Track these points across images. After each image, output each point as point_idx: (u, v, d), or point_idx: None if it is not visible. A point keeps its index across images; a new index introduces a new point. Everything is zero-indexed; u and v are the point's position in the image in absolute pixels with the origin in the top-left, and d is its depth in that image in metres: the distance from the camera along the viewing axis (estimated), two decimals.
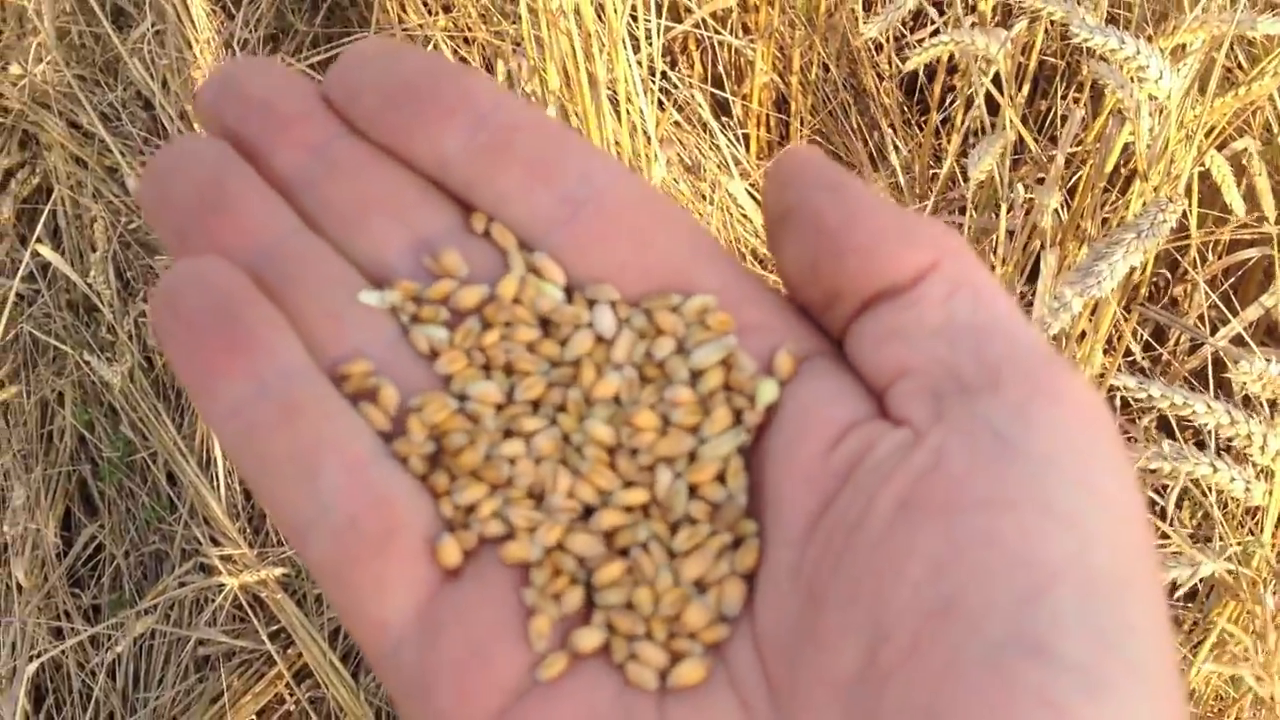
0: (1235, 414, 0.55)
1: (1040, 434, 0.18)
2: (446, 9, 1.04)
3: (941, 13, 1.05)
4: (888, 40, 1.06)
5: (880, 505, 0.18)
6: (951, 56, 1.00)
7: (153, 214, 0.22)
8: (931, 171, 1.02)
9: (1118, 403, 0.92)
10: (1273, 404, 0.57)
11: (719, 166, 0.97)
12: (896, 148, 1.03)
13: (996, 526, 0.17)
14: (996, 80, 0.88)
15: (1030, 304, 0.85)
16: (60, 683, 0.97)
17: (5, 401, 1.06)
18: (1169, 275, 0.97)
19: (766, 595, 0.19)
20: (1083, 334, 0.83)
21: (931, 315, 0.19)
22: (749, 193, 0.97)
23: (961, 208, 0.98)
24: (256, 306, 0.20)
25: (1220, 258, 0.92)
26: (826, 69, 1.06)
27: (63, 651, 0.96)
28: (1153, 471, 0.58)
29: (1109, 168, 0.80)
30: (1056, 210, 0.84)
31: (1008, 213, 0.83)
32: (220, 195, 0.21)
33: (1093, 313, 0.81)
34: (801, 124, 1.07)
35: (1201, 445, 0.59)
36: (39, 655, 0.94)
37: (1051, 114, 1.01)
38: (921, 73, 1.10)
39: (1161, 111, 0.70)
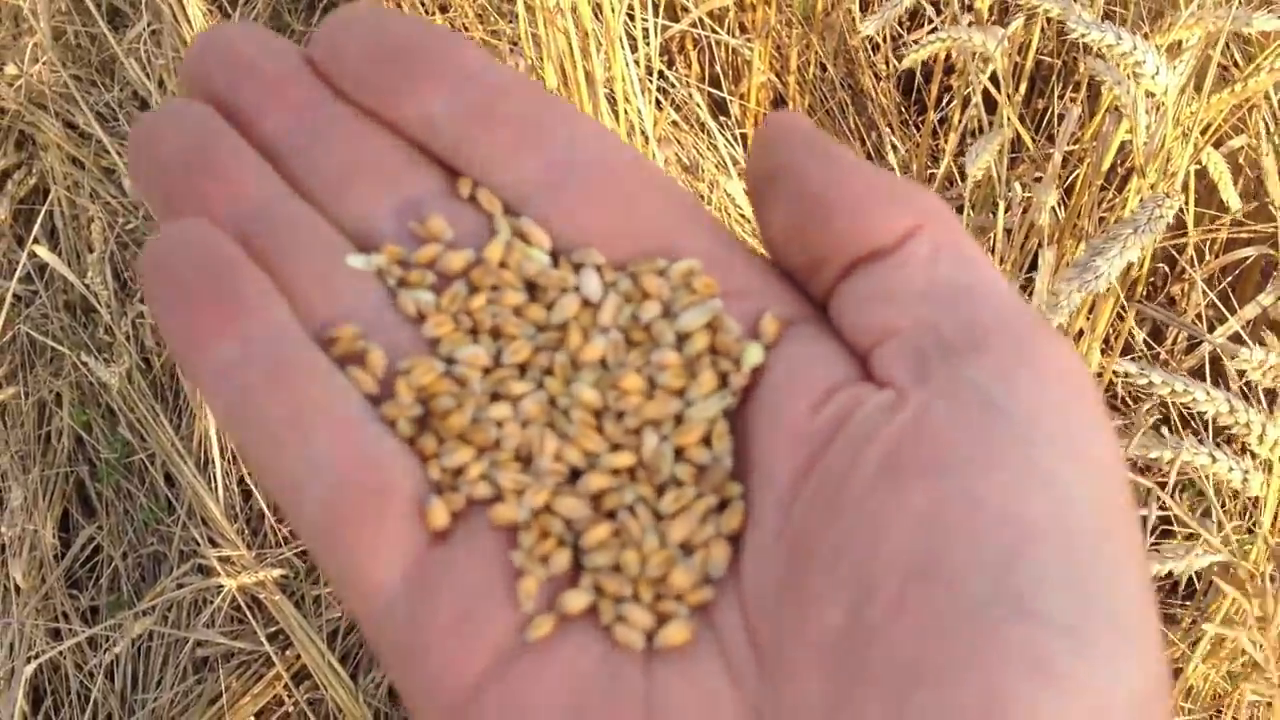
0: (1235, 402, 0.55)
1: (1022, 395, 0.18)
2: (443, 8, 1.04)
3: (939, 12, 1.05)
4: (885, 40, 1.07)
5: (864, 466, 0.18)
6: (948, 56, 1.01)
7: (139, 178, 0.22)
8: (929, 171, 1.02)
9: (1118, 397, 0.92)
10: (1271, 396, 0.57)
11: (717, 166, 0.97)
12: (894, 147, 1.03)
13: (979, 486, 0.17)
14: (994, 79, 0.88)
15: (1029, 301, 0.84)
16: (58, 684, 0.97)
17: (3, 402, 1.06)
18: (1168, 271, 0.98)
19: (752, 556, 0.19)
20: (1080, 332, 0.83)
21: (915, 278, 0.19)
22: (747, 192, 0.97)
23: (959, 206, 0.98)
24: (244, 269, 0.20)
25: (1218, 256, 0.92)
26: (824, 68, 1.06)
27: (61, 653, 0.96)
28: (1153, 461, 0.58)
29: (1106, 165, 0.81)
30: (1054, 208, 0.84)
31: (1005, 211, 0.83)
32: (206, 159, 0.21)
33: (1090, 310, 0.81)
34: None
35: (1200, 440, 0.59)
36: (37, 656, 0.94)
37: (1049, 113, 1.01)
38: (919, 73, 1.10)
39: (1158, 108, 0.70)
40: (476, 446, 0.20)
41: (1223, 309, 0.87)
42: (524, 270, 0.21)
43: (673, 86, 1.01)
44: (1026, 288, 0.92)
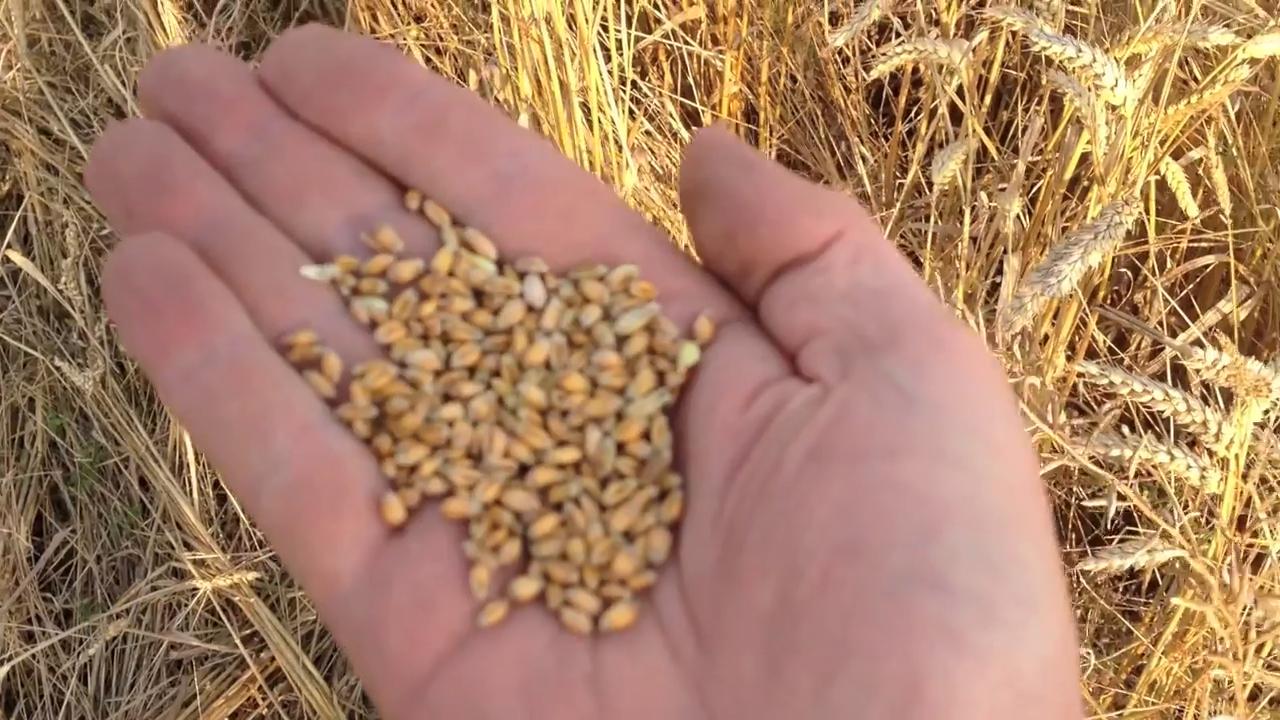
0: (1192, 402, 0.57)
1: (935, 385, 0.19)
2: (419, 19, 1.05)
3: (907, 25, 1.07)
4: (854, 53, 1.08)
5: (792, 455, 0.19)
6: (916, 70, 1.02)
7: (101, 194, 0.23)
8: (897, 180, 1.04)
9: (1082, 399, 0.93)
10: (1227, 397, 0.58)
11: None
12: (864, 157, 1.04)
13: (896, 471, 0.19)
14: (960, 92, 0.90)
15: (994, 309, 0.86)
16: (31, 687, 0.97)
17: None
18: (1131, 277, 0.99)
19: (690, 542, 0.21)
20: (1046, 336, 0.85)
21: (838, 280, 0.21)
22: None
23: (927, 215, 1.00)
24: (204, 280, 0.21)
25: (1179, 264, 0.94)
26: (794, 80, 1.07)
27: (34, 656, 0.96)
28: (1114, 459, 0.59)
29: (1068, 175, 0.82)
30: (1018, 216, 0.86)
31: (971, 220, 0.84)
32: (164, 176, 0.22)
33: (1055, 315, 0.82)
34: (770, 134, 1.09)
35: (1160, 439, 0.61)
36: (9, 659, 0.94)
37: (1013, 124, 1.03)
38: (887, 85, 1.12)
39: (1118, 120, 0.72)
40: (429, 445, 0.22)
41: (1184, 315, 0.89)
42: (471, 278, 0.23)
43: (646, 96, 1.02)
44: (993, 293, 0.94)
